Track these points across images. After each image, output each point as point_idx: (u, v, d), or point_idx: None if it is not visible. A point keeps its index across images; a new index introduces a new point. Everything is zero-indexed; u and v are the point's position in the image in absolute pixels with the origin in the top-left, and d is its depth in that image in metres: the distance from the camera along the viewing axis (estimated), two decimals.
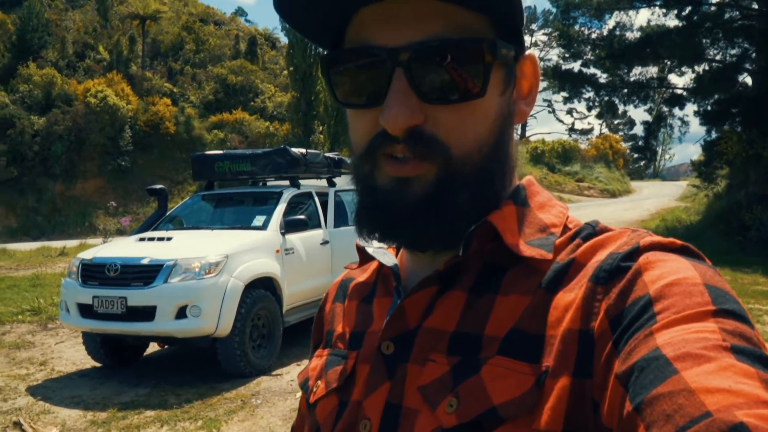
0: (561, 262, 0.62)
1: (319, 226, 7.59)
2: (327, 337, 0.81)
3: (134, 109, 30.85)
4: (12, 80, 30.78)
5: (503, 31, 0.64)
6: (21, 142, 27.39)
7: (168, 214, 7.79)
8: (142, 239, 6.74)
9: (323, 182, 8.33)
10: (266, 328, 6.46)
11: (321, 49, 0.72)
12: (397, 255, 0.79)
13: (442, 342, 0.63)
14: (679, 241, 0.58)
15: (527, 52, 0.69)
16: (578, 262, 0.61)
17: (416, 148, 0.62)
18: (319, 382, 0.75)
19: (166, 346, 6.97)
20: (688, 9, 18.47)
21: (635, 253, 0.57)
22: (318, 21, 0.66)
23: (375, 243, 0.78)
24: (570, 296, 0.58)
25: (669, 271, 0.53)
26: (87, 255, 6.40)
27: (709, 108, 19.74)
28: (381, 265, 0.77)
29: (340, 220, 7.86)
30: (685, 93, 21.36)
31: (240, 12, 64.16)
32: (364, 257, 0.80)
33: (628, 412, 0.46)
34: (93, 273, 6.10)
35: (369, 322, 0.74)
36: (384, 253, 0.77)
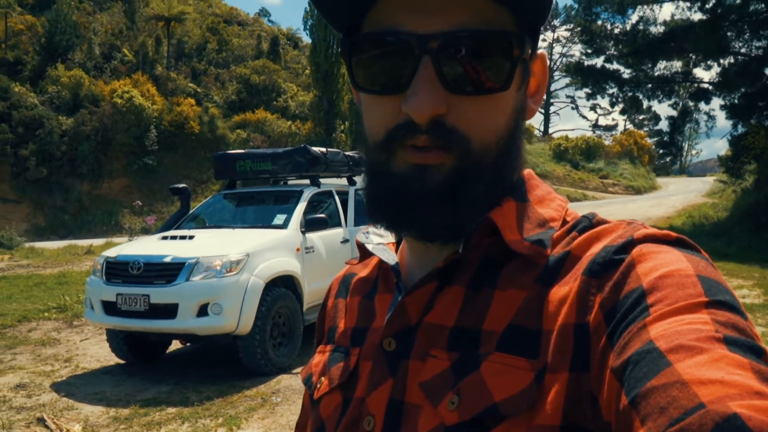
0: (556, 255, 0.62)
1: (339, 224, 7.59)
2: (329, 333, 0.81)
3: (159, 109, 31.23)
4: (41, 81, 31.36)
5: (525, 27, 0.64)
6: (50, 142, 27.89)
7: (190, 213, 7.85)
8: (164, 238, 6.79)
9: (343, 181, 8.34)
10: (287, 326, 6.47)
11: (338, 48, 0.69)
12: (396, 251, 0.78)
13: (442, 337, 0.63)
14: (674, 234, 0.58)
15: (538, 51, 0.70)
16: (573, 255, 0.61)
17: (438, 138, 0.61)
18: (323, 378, 0.76)
19: (187, 344, 7.03)
20: (713, 2, 18.20)
21: (629, 245, 0.57)
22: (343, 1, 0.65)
23: (374, 239, 0.78)
24: (565, 290, 0.59)
25: (662, 263, 0.53)
26: (111, 253, 6.46)
27: (735, 102, 19.42)
28: (381, 261, 0.77)
29: (360, 219, 7.84)
30: (710, 87, 21.05)
31: (264, 12, 64.36)
32: (364, 253, 0.80)
33: (624, 406, 0.46)
34: (117, 271, 6.16)
35: (371, 319, 0.74)
36: (384, 249, 0.76)
